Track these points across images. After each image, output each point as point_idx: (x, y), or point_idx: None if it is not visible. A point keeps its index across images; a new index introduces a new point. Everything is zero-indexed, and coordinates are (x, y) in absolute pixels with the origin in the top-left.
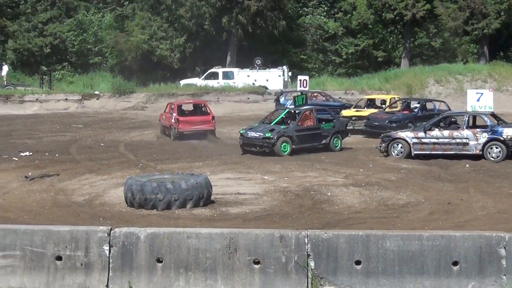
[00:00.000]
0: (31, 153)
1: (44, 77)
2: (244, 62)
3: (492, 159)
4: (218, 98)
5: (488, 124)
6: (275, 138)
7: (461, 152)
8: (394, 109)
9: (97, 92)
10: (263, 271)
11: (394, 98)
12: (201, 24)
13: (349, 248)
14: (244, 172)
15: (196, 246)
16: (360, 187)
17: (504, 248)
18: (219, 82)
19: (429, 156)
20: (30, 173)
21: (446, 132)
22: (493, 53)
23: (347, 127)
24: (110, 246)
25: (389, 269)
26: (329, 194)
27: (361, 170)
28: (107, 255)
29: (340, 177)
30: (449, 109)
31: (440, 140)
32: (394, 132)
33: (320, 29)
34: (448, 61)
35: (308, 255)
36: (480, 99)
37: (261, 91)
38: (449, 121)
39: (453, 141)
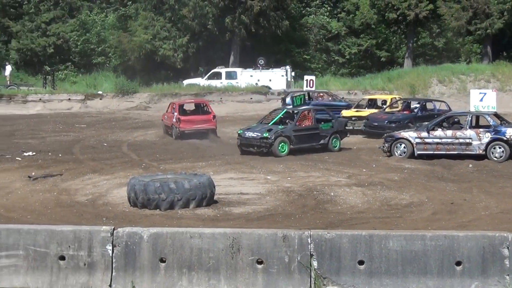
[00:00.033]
0: (34, 153)
1: (47, 77)
2: (247, 62)
3: (495, 159)
4: (221, 98)
5: (491, 124)
6: (273, 138)
7: (464, 152)
8: (394, 109)
9: (100, 92)
10: (266, 271)
11: (395, 98)
12: (204, 24)
13: (352, 248)
14: (247, 172)
15: (199, 246)
16: (363, 187)
17: (507, 248)
18: (222, 82)
19: (432, 156)
20: (33, 173)
21: (449, 132)
22: (496, 53)
23: (347, 127)
24: (113, 246)
25: (392, 269)
26: (332, 194)
27: (364, 170)
28: (110, 255)
29: (343, 177)
30: (450, 109)
31: (443, 140)
32: (397, 132)
33: (323, 29)
34: (451, 61)
35: (311, 255)
36: (483, 99)
37: (264, 91)
38: (452, 121)
39: (456, 141)
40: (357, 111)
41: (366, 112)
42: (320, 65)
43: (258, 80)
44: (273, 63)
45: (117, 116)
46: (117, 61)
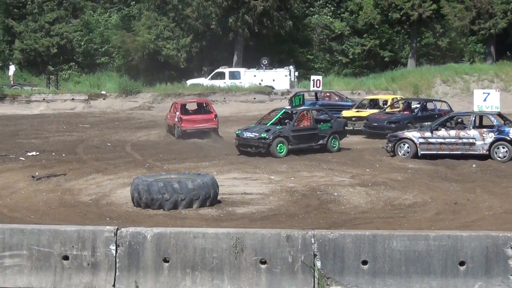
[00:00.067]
0: (37, 153)
1: (50, 77)
2: (251, 62)
3: (499, 159)
4: (224, 98)
5: (494, 124)
6: (271, 138)
7: (467, 152)
8: (395, 110)
9: (103, 92)
10: (269, 271)
11: (396, 98)
12: (208, 24)
13: (355, 248)
14: (251, 172)
15: (202, 246)
16: (367, 187)
17: (511, 248)
18: (226, 82)
19: (435, 156)
20: (37, 173)
21: (452, 132)
22: (499, 53)
23: (347, 128)
24: (117, 246)
25: (395, 269)
26: (335, 194)
27: (368, 170)
28: (114, 255)
29: (347, 177)
30: (450, 109)
31: (447, 140)
32: (400, 132)
33: (326, 29)
34: (454, 61)
35: (315, 255)
36: (486, 99)
37: (268, 91)
38: (455, 121)
39: (460, 141)
40: (357, 111)
41: (366, 112)
42: (323, 65)
43: (262, 80)
44: (276, 63)
45: (121, 116)
46: (121, 61)
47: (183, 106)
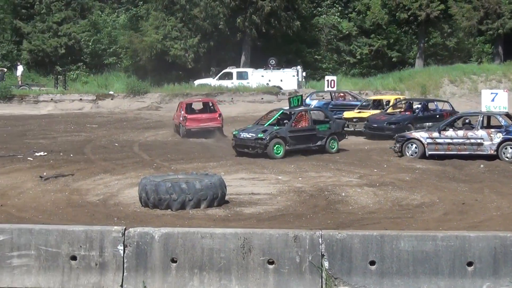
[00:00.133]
0: (45, 153)
1: (58, 77)
2: (258, 62)
3: (507, 159)
4: (232, 98)
5: (502, 124)
6: (268, 139)
7: (475, 153)
8: (397, 110)
9: (111, 92)
10: (277, 271)
11: (399, 98)
12: (215, 24)
13: (363, 248)
14: (258, 172)
15: (210, 246)
16: (374, 187)
17: None
18: (233, 82)
19: (443, 156)
20: (44, 173)
21: (460, 132)
22: (507, 53)
23: (347, 129)
24: (125, 246)
25: (403, 270)
26: (343, 194)
27: (375, 170)
28: (122, 255)
29: (354, 177)
30: (453, 109)
31: (455, 140)
32: (408, 132)
33: (334, 29)
34: (462, 61)
35: (322, 255)
36: (494, 99)
37: (275, 91)
38: (463, 121)
39: (468, 141)
40: (359, 112)
41: (367, 113)
42: (331, 65)
43: (269, 80)
44: (284, 63)
45: (128, 116)
46: (128, 61)
47: (189, 106)
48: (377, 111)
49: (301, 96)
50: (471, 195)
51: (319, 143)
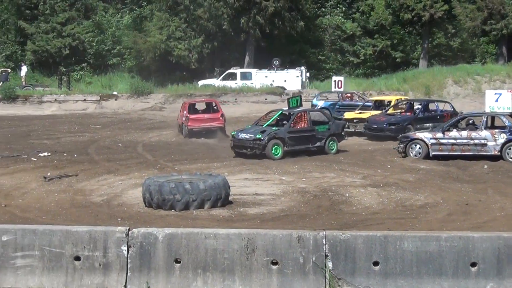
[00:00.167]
0: (49, 154)
1: (62, 77)
2: (262, 62)
3: (511, 160)
4: (236, 99)
5: (506, 124)
6: (266, 139)
7: (479, 153)
8: (397, 111)
9: (115, 93)
10: (281, 272)
11: (400, 99)
12: (219, 25)
13: (367, 249)
14: (262, 172)
15: (214, 246)
16: (378, 188)
17: None
18: (237, 83)
19: (447, 157)
20: (48, 174)
21: (464, 133)
22: (511, 54)
23: (348, 129)
24: (128, 247)
25: (407, 270)
26: (347, 195)
27: (379, 170)
28: (125, 255)
29: (358, 177)
30: (454, 110)
31: (458, 140)
32: (412, 132)
33: (338, 30)
34: (466, 61)
35: (326, 256)
36: (498, 100)
37: (279, 91)
38: (467, 122)
39: (471, 141)
40: (360, 113)
41: (368, 114)
42: (335, 66)
43: (273, 81)
44: (288, 63)
45: (132, 117)
46: (132, 62)
47: (191, 106)
48: (378, 112)
49: (300, 97)
50: (475, 195)
51: (318, 144)
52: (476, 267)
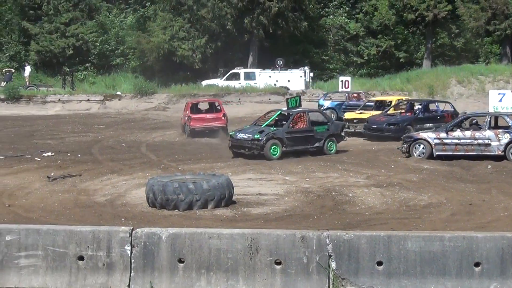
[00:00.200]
0: (53, 154)
1: (66, 77)
2: (266, 62)
3: None
4: (239, 99)
5: (510, 124)
6: (264, 140)
7: (483, 153)
8: (398, 111)
9: (119, 93)
10: (284, 272)
11: (401, 99)
12: (223, 25)
13: (370, 248)
14: (266, 172)
15: (217, 246)
16: (382, 188)
17: None
18: (241, 83)
19: (451, 156)
20: (52, 174)
21: (468, 133)
22: None
23: (348, 130)
24: (132, 247)
25: (410, 270)
26: (350, 195)
27: (383, 171)
28: (129, 255)
29: (362, 177)
30: (454, 110)
31: (462, 141)
32: (415, 132)
33: (341, 30)
34: (470, 61)
35: (330, 256)
36: (502, 100)
37: (283, 91)
38: (470, 122)
39: (475, 141)
40: (360, 113)
41: (368, 114)
42: (338, 66)
43: (277, 81)
44: (291, 63)
45: (136, 117)
46: (136, 62)
47: (194, 106)
48: (379, 112)
49: (299, 97)
50: (478, 195)
51: (316, 144)
52: (479, 267)
